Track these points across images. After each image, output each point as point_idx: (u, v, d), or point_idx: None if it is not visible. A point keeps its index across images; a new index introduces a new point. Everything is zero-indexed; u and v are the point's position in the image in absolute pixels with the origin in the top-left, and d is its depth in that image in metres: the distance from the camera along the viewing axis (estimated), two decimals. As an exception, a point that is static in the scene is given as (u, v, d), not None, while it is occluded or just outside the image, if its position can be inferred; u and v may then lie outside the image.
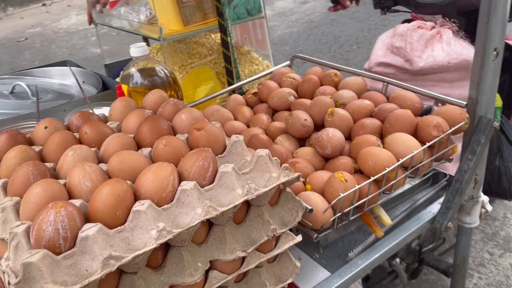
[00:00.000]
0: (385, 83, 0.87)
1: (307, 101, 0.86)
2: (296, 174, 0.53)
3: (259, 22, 1.15)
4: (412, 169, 0.71)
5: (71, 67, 0.90)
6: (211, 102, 1.09)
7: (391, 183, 0.68)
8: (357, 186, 0.62)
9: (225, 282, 0.54)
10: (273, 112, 0.92)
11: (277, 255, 0.60)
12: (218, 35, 1.31)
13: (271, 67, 1.18)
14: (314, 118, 0.81)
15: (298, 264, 0.60)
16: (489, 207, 0.90)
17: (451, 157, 0.78)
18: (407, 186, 0.82)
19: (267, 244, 0.55)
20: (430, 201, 0.83)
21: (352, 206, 0.63)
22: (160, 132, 0.58)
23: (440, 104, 0.80)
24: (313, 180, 0.67)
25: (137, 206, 0.45)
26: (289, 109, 0.88)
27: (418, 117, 0.76)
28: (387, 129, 0.74)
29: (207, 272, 0.51)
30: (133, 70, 0.90)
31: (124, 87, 0.89)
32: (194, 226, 0.45)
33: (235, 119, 0.90)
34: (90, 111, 0.70)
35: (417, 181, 0.87)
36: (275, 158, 0.57)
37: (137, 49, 0.89)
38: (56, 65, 1.25)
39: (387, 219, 0.70)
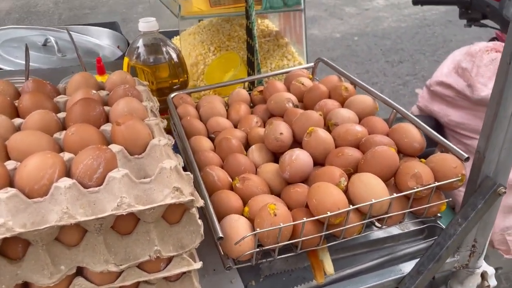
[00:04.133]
0: (394, 110, 0.75)
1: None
2: (188, 198, 0.47)
3: (298, 15, 1.06)
4: (373, 219, 0.60)
5: (71, 32, 0.92)
6: (230, 89, 1.04)
7: (339, 229, 0.58)
8: (282, 225, 0.54)
9: (103, 290, 0.51)
10: (270, 116, 0.84)
11: (182, 275, 0.55)
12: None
13: (304, 64, 1.09)
14: (296, 133, 0.72)
15: (199, 290, 0.55)
16: (493, 282, 0.74)
17: (438, 214, 0.65)
18: (382, 234, 0.71)
19: (151, 264, 0.50)
20: (413, 257, 0.71)
21: (279, 244, 0.56)
22: (87, 118, 0.56)
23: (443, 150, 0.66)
24: (253, 204, 0.60)
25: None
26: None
27: (407, 160, 0.64)
28: (361, 165, 0.63)
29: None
30: (139, 45, 0.88)
31: (126, 61, 0.88)
32: (40, 230, 0.42)
33: (229, 115, 0.85)
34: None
35: (405, 230, 0.75)
36: (188, 173, 0.52)
37: (145, 24, 0.86)
38: (105, 25, 1.28)
39: (329, 267, 0.61)
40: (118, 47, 1.18)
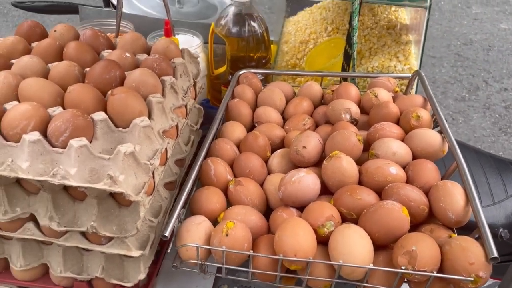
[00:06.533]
0: (455, 162, 0.58)
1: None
2: (119, 190, 0.46)
3: (421, 12, 0.88)
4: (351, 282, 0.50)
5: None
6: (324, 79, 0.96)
7: (298, 276, 0.51)
8: (224, 249, 0.49)
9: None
10: (326, 122, 0.75)
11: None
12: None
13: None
14: (327, 153, 0.63)
15: (142, 276, 0.54)
16: None
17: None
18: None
19: (92, 236, 0.52)
20: None
21: (224, 266, 0.51)
22: (99, 79, 0.57)
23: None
24: (229, 213, 0.56)
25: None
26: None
27: (422, 230, 0.51)
28: (362, 216, 0.52)
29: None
30: (227, 13, 0.86)
31: (212, 26, 0.87)
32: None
33: (286, 108, 0.79)
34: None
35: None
36: (147, 162, 0.50)
37: (236, -7, 0.84)
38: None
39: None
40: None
